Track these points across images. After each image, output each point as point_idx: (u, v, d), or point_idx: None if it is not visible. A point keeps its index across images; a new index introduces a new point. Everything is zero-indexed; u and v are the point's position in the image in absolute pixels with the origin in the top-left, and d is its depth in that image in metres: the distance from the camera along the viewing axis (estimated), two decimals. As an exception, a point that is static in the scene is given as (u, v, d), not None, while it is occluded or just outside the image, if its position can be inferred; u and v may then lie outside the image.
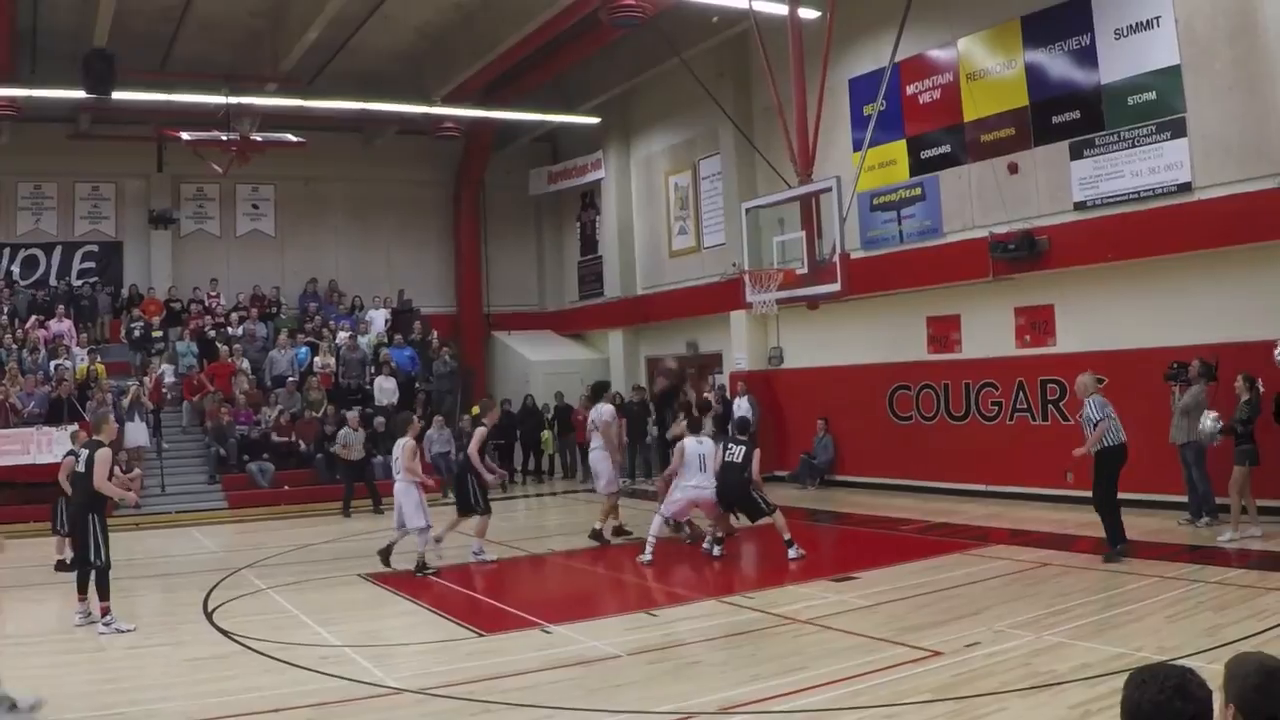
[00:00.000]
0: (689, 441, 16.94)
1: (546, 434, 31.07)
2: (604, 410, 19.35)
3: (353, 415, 25.72)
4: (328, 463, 25.61)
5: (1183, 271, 18.37)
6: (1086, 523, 16.37)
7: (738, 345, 27.89)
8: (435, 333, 31.99)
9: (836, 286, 18.84)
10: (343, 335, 30.13)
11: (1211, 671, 3.80)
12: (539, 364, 33.33)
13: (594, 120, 32.50)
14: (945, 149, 22.64)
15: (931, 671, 9.64)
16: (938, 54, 22.66)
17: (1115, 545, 14.95)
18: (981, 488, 21.50)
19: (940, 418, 23.02)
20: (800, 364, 26.60)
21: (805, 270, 19.44)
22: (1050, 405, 20.65)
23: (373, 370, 29.41)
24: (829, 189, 19.13)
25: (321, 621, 12.95)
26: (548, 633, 12.09)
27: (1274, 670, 3.80)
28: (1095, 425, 15.17)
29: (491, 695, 9.47)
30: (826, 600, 13.24)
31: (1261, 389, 15.83)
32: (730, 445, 16.73)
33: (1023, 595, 12.98)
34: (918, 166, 23.29)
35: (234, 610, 13.86)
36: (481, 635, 12.18)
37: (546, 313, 37.06)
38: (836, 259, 18.90)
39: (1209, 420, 15.54)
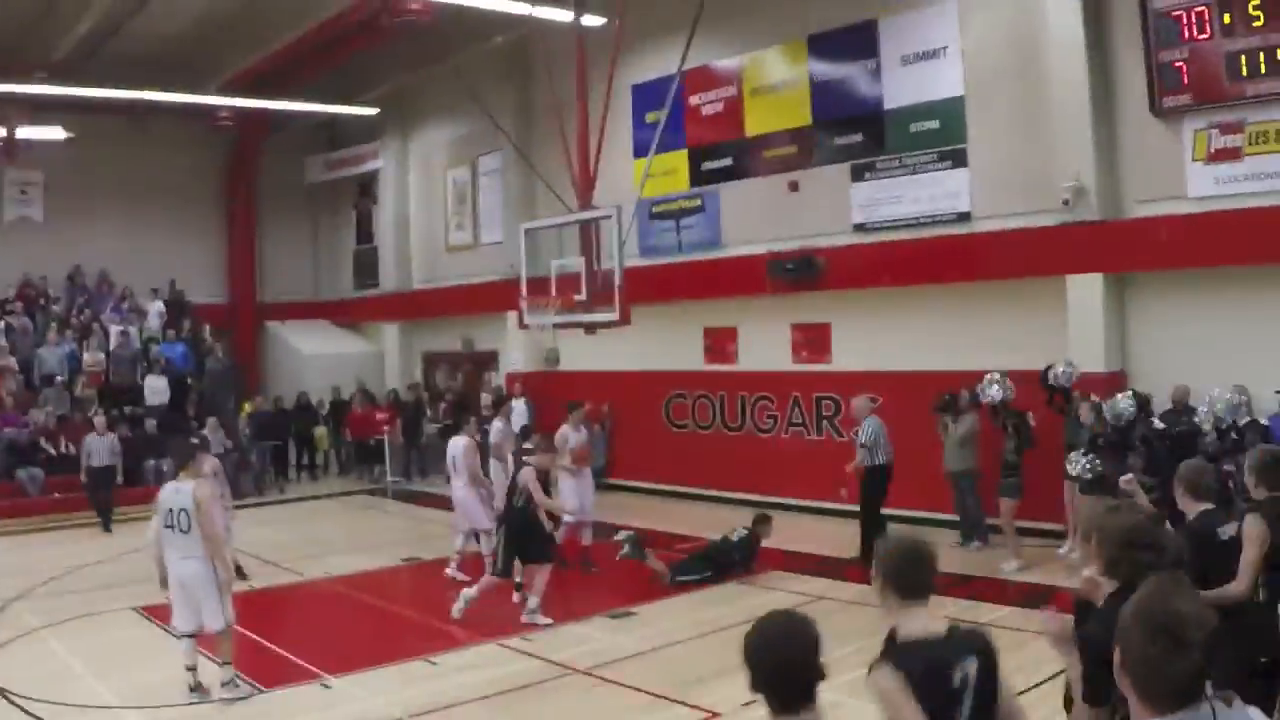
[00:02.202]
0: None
1: (321, 430, 29.59)
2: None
3: (99, 420, 23.25)
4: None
5: (959, 299, 18.30)
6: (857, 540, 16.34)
7: (514, 345, 27.05)
8: (208, 326, 30.43)
9: (614, 316, 18.33)
10: (114, 329, 28.15)
11: None
12: (313, 357, 31.86)
13: (372, 111, 31.18)
14: (726, 162, 22.26)
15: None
16: (723, 66, 22.20)
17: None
18: (756, 498, 21.08)
19: (716, 428, 22.68)
20: (577, 367, 25.85)
21: (583, 297, 18.94)
22: (825, 421, 20.50)
23: (144, 367, 27.50)
24: (609, 216, 18.58)
25: (98, 672, 11.82)
26: (328, 687, 11.29)
27: (909, 546, 4.66)
28: (862, 449, 16.21)
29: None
30: (605, 643, 12.70)
31: (1032, 423, 15.90)
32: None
33: (800, 640, 12.63)
34: (698, 178, 22.88)
35: (4, 658, 12.62)
36: (261, 691, 11.19)
37: (321, 302, 35.39)
38: (615, 289, 18.38)
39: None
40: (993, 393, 15.84)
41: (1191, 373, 15.43)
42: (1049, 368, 15.99)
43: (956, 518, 17.24)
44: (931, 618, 4.53)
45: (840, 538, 17.16)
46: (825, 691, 4.01)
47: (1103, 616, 4.84)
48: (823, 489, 19.90)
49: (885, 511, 16.43)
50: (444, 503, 18.88)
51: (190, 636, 10.93)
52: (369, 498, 25.66)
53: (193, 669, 10.93)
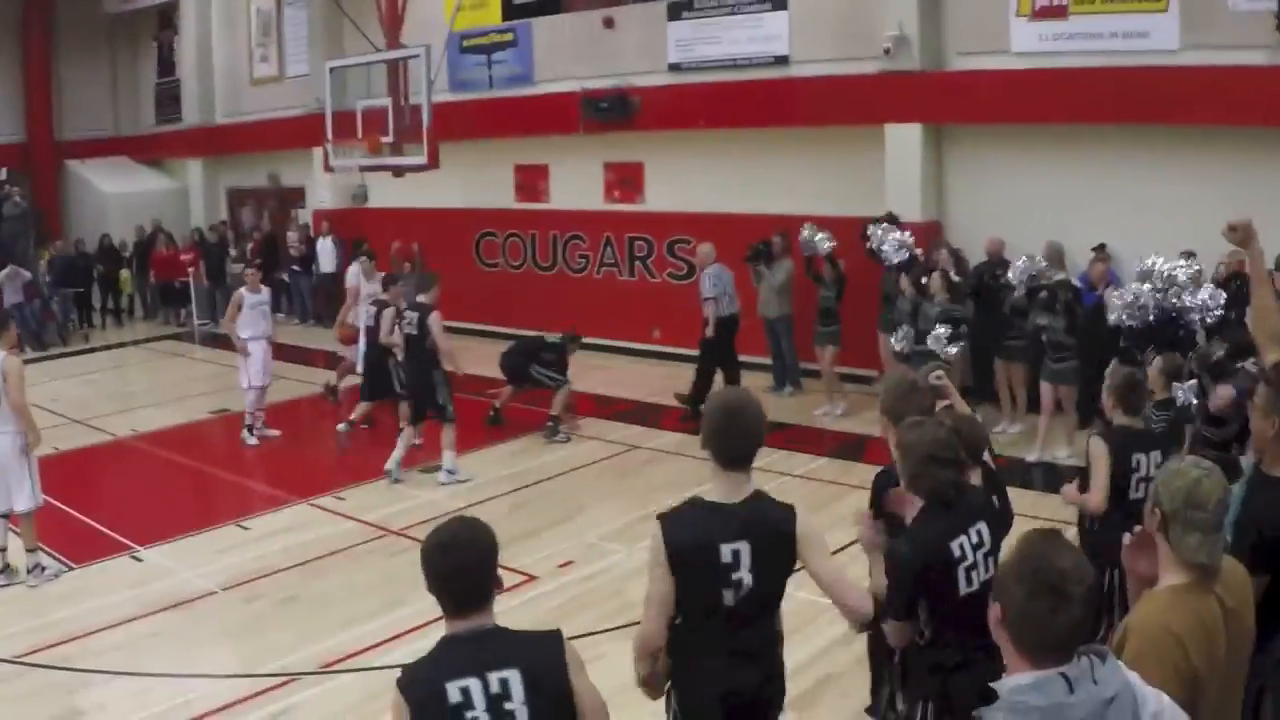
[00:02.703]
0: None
1: (124, 273, 27.96)
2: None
3: None
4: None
5: (776, 144, 17.83)
6: (674, 383, 16.03)
7: (321, 182, 25.71)
8: (4, 169, 28.30)
9: (423, 160, 17.64)
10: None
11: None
12: (115, 197, 29.89)
13: (173, -64, 29.20)
14: (540, -5, 21.29)
15: (529, 603, 9.00)
16: (538, -106, 21.10)
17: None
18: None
19: (528, 267, 22.08)
20: (385, 204, 24.78)
21: (391, 139, 18.17)
22: (638, 261, 20.10)
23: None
24: (417, 56, 17.75)
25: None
26: (139, 559, 10.73)
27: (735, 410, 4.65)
28: (708, 301, 15.42)
29: (87, 661, 8.29)
30: (419, 500, 12.24)
31: (843, 267, 15.57)
32: (406, 311, 13.61)
33: (614, 492, 12.42)
34: (510, 10, 21.83)
35: None
36: (71, 568, 10.55)
37: (122, 138, 33.16)
38: (424, 133, 17.64)
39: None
40: (821, 245, 15.24)
41: (1008, 226, 15.26)
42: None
43: (769, 363, 17.07)
44: (740, 485, 4.62)
45: (653, 380, 16.96)
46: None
47: (913, 537, 5.03)
48: (635, 330, 19.72)
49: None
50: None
51: (2, 516, 10.22)
52: (176, 343, 24.58)
53: (3, 550, 10.28)
